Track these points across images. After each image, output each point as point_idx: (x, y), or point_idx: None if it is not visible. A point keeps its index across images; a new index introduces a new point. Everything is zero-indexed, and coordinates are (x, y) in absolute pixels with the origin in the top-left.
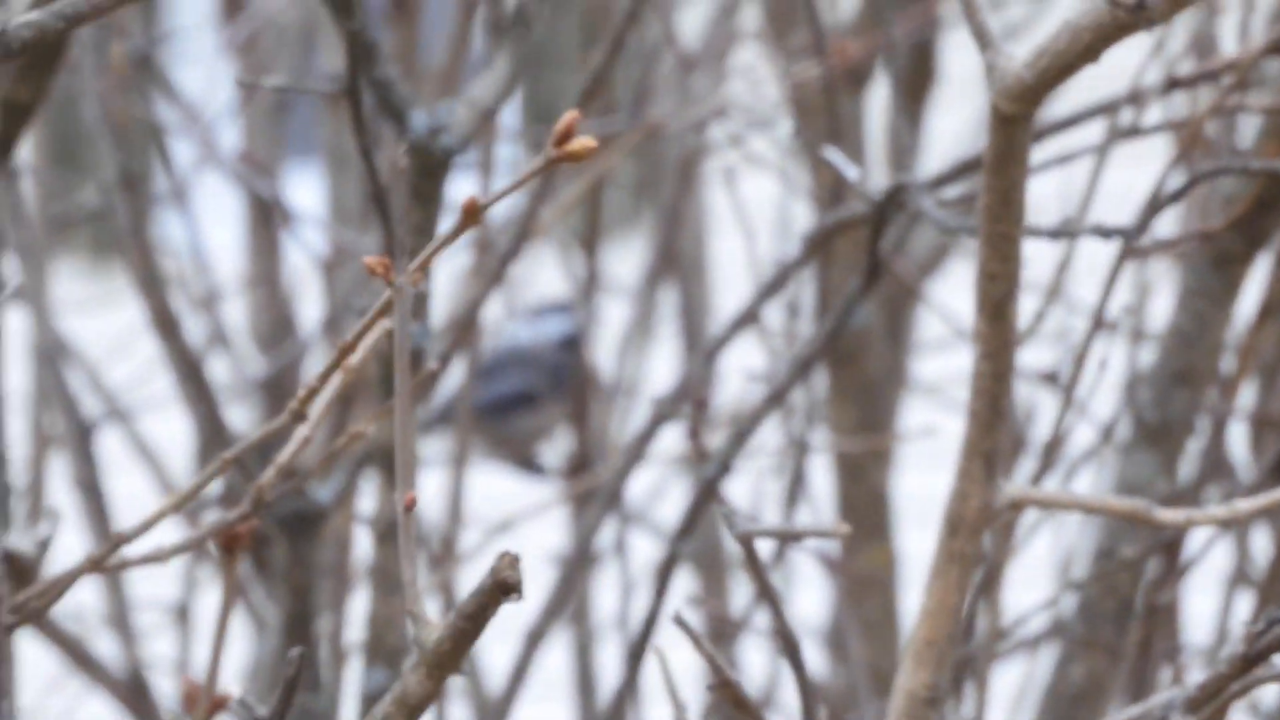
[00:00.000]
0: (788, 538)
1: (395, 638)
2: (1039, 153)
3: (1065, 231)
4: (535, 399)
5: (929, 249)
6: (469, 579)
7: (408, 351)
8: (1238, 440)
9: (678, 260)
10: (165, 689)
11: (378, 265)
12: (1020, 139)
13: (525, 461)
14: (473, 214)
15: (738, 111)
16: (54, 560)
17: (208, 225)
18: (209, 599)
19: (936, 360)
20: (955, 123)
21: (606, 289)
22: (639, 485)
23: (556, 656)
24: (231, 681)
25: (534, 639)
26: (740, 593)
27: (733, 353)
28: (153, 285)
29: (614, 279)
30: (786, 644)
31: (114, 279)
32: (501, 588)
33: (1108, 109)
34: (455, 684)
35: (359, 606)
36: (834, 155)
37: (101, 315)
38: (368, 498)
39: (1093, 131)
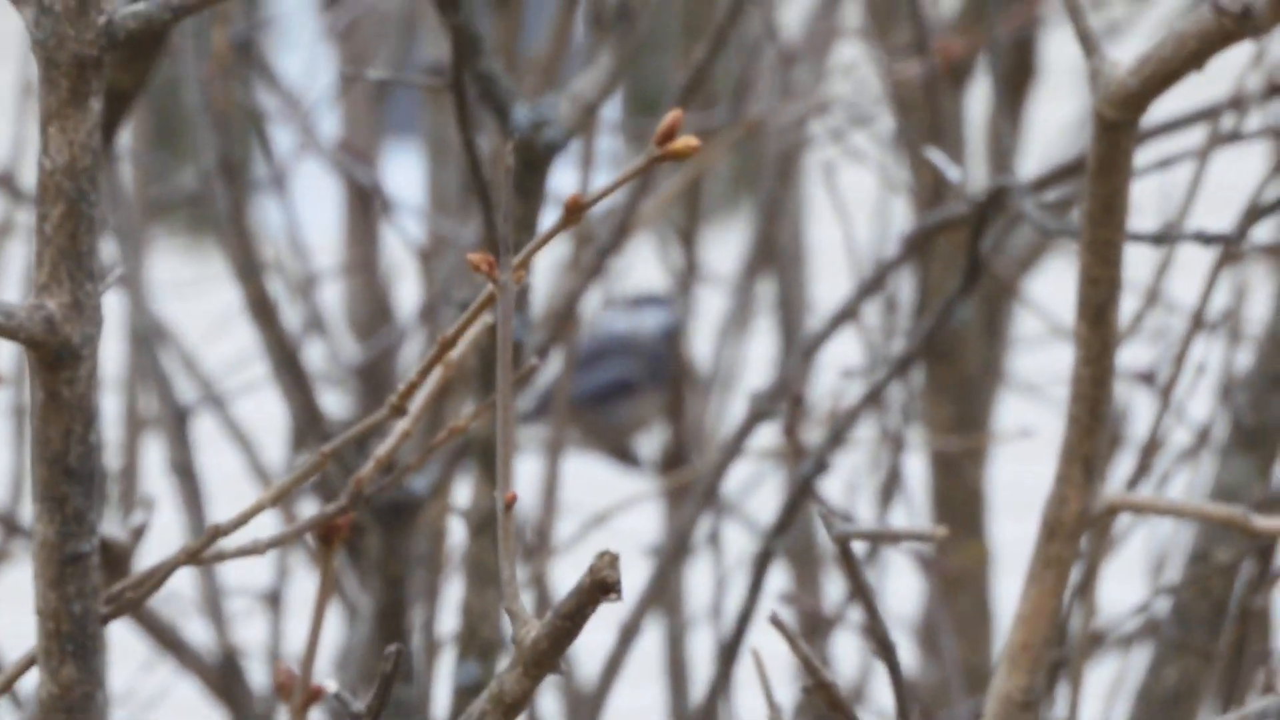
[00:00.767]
0: (884, 539)
1: (489, 631)
2: (1139, 157)
3: (1166, 237)
4: (633, 389)
5: (1026, 246)
6: (563, 571)
7: (510, 348)
8: None
9: (776, 252)
10: (257, 675)
11: (481, 261)
12: (1124, 145)
13: (621, 452)
14: (575, 211)
15: (838, 106)
16: (148, 545)
17: (306, 211)
18: (301, 585)
19: (1033, 356)
20: (1055, 118)
21: (704, 280)
22: (734, 478)
23: (649, 644)
24: (323, 669)
25: (628, 633)
26: (833, 587)
27: (830, 348)
28: (251, 271)
29: (712, 270)
30: (881, 645)
31: (211, 262)
32: (600, 587)
33: (1209, 114)
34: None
35: (452, 597)
36: (935, 155)
37: (198, 298)
38: (463, 488)
39: (1194, 135)
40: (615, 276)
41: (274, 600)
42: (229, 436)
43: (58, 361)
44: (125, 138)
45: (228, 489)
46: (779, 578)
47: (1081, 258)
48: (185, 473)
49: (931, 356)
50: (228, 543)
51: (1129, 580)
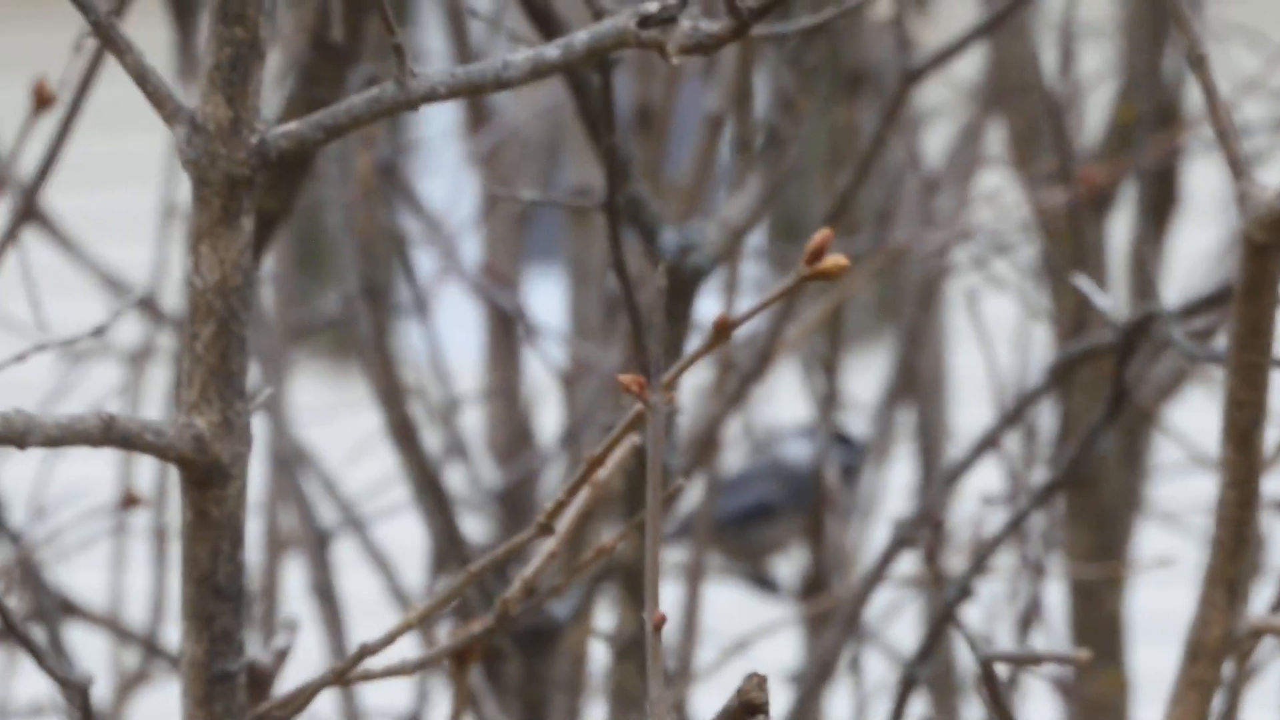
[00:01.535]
0: (1028, 662)
1: None
2: None
3: None
4: (774, 511)
5: (1167, 374)
6: (703, 699)
7: (660, 469)
8: None
9: (917, 380)
10: None
11: (631, 382)
12: (1271, 268)
13: (759, 577)
14: (724, 331)
15: (981, 234)
16: (288, 668)
17: (448, 336)
18: (441, 710)
19: (1172, 485)
20: (1197, 248)
21: (846, 407)
22: (873, 605)
23: None
24: None
25: None
26: (971, 716)
27: (971, 475)
28: (393, 395)
29: (854, 398)
30: None
31: (353, 386)
32: (748, 709)
33: None
34: None
35: None
36: (1083, 282)
37: (339, 422)
38: (603, 614)
39: None
40: (757, 403)
41: None
42: (369, 560)
43: (207, 480)
44: (269, 261)
45: (367, 613)
46: (918, 705)
47: (1228, 381)
48: (325, 595)
49: (1072, 484)
50: (373, 663)
51: (1267, 710)
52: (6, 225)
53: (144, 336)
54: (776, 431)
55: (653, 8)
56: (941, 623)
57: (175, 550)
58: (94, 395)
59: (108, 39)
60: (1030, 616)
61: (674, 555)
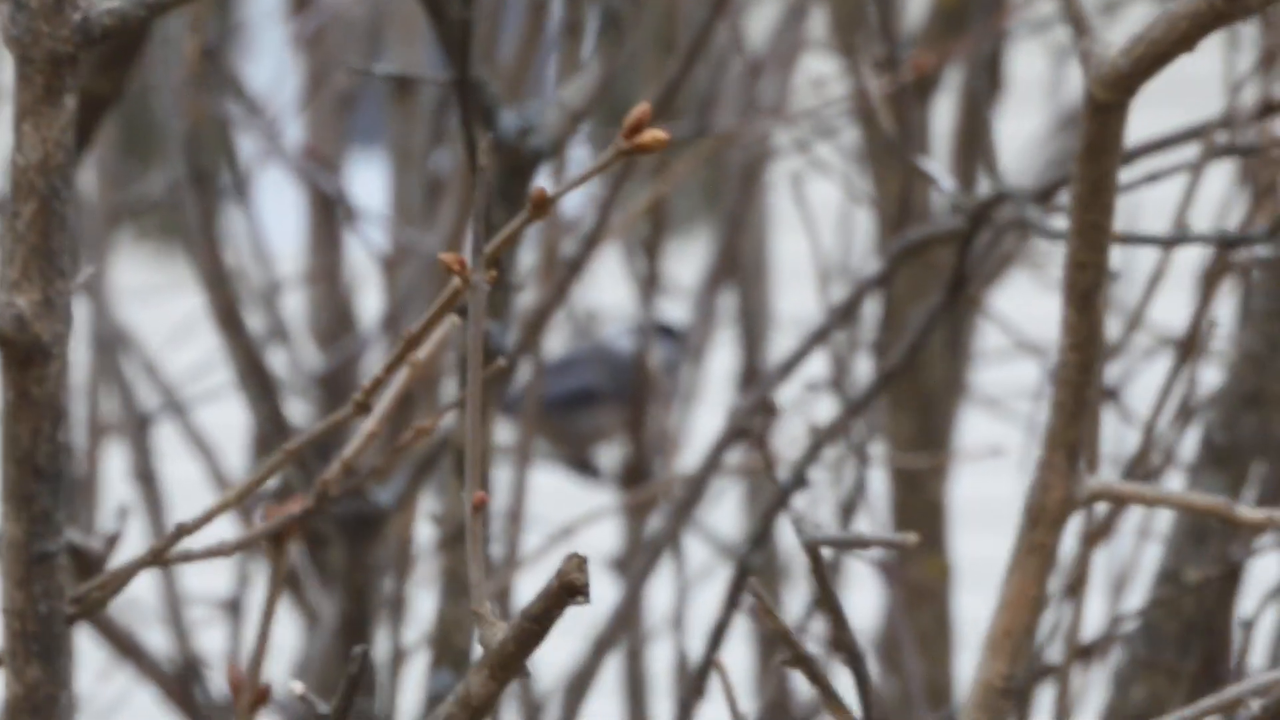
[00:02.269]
0: (854, 545)
1: (462, 640)
2: (1131, 172)
3: (1174, 239)
4: (598, 397)
5: (990, 261)
6: (527, 585)
7: (481, 347)
8: None
9: (739, 264)
10: (216, 683)
11: (451, 260)
12: (1114, 127)
13: (582, 463)
14: (542, 206)
15: (803, 117)
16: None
17: (270, 219)
18: (261, 594)
19: (995, 371)
20: (1021, 132)
21: (669, 292)
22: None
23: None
24: (282, 676)
25: (601, 647)
26: (795, 602)
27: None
28: (217, 279)
29: (676, 282)
30: (850, 655)
31: (176, 268)
32: (568, 590)
33: (1201, 132)
34: (510, 687)
35: (418, 608)
36: (930, 165)
37: (162, 304)
38: (429, 500)
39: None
40: (580, 288)
41: (234, 608)
42: (191, 444)
43: (28, 359)
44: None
45: (189, 497)
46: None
47: (1069, 243)
48: (147, 479)
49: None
50: (192, 545)
51: (1092, 598)
52: None
53: None
54: (599, 318)
55: None
56: (774, 509)
57: None
58: None
59: None
60: (854, 502)
61: (502, 439)
